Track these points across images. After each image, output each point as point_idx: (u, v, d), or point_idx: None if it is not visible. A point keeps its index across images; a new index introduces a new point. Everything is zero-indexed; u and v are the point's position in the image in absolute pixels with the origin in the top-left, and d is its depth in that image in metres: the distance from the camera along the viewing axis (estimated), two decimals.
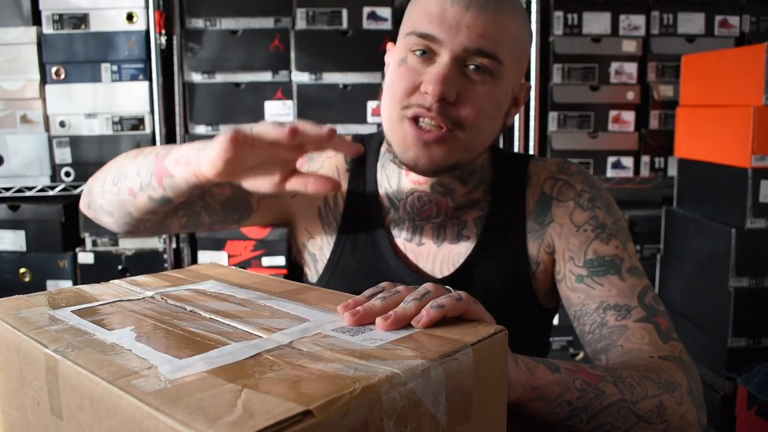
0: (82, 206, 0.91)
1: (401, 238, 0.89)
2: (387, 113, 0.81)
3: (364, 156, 0.93)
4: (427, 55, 0.77)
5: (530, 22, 1.96)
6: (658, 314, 0.80)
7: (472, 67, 0.76)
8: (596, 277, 0.82)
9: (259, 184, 0.69)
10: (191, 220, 0.88)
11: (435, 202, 0.87)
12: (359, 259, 0.90)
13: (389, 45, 0.86)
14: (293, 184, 0.69)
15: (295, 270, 1.03)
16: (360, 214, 0.91)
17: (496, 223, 0.88)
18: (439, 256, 0.88)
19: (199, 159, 0.68)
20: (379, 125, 0.87)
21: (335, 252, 0.91)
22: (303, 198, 0.92)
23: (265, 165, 0.68)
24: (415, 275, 0.87)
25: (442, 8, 0.76)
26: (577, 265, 0.84)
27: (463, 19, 0.75)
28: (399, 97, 0.79)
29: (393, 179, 0.90)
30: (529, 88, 0.88)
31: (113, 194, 0.82)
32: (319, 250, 0.93)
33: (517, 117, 2.03)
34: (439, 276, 0.87)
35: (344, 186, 0.92)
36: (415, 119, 0.78)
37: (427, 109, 0.76)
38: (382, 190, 0.91)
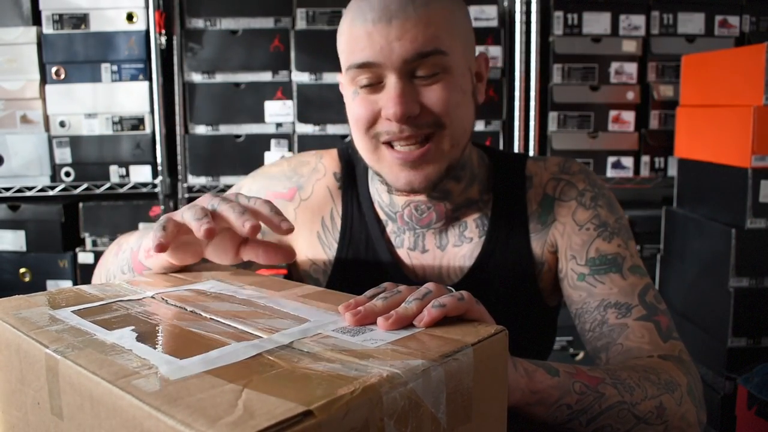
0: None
1: (404, 249, 0.89)
2: (362, 146, 0.81)
3: (353, 171, 0.93)
4: (374, 81, 0.76)
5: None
6: (658, 313, 0.80)
7: (420, 72, 0.75)
8: (598, 275, 0.82)
9: (218, 257, 0.70)
10: None
11: (434, 208, 0.86)
12: (362, 275, 0.89)
13: (339, 76, 0.84)
14: (246, 254, 0.69)
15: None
16: (358, 230, 0.90)
17: (499, 225, 0.87)
18: (444, 261, 0.88)
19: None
20: None
21: (336, 271, 0.90)
22: (302, 228, 0.92)
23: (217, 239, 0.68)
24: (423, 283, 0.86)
25: (366, 31, 0.74)
26: (579, 263, 0.84)
27: (391, 34, 0.73)
28: (364, 128, 0.79)
29: (384, 193, 0.89)
30: (486, 58, 0.86)
31: None
32: (322, 274, 0.92)
33: (517, 117, 2.03)
34: (447, 284, 0.87)
35: (339, 205, 0.92)
36: (390, 144, 0.78)
37: (399, 133, 0.76)
38: (376, 204, 0.91)
